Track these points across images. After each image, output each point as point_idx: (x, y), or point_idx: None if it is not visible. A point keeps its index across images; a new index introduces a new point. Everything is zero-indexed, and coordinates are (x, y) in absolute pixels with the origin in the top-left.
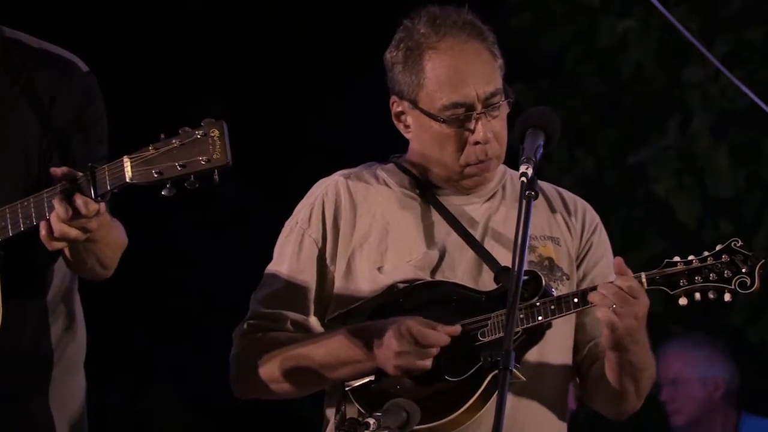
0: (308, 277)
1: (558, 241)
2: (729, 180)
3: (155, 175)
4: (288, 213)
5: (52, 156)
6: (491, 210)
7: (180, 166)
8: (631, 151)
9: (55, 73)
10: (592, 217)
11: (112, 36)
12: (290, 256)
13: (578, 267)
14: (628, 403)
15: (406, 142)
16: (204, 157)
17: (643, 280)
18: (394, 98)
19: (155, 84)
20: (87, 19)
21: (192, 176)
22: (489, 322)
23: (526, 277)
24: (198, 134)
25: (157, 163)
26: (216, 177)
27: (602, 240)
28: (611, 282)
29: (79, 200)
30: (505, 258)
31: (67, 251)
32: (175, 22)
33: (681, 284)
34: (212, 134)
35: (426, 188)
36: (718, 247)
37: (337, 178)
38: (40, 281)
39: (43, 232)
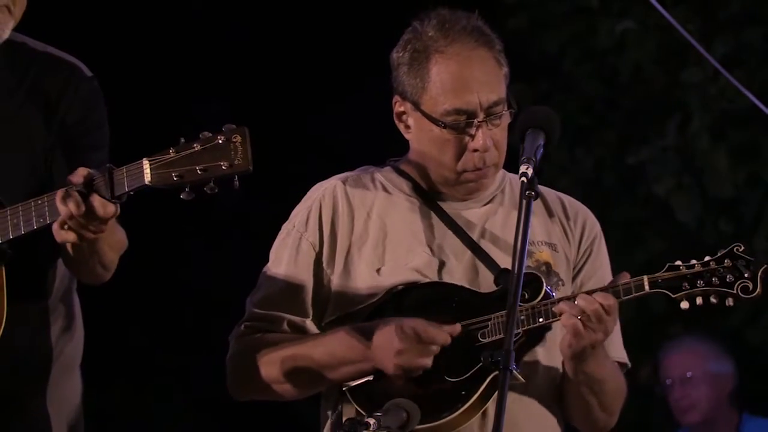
0: (305, 280)
1: (555, 247)
2: (729, 180)
3: (175, 178)
4: (289, 216)
5: (55, 157)
6: (489, 214)
7: (201, 170)
8: (631, 151)
9: (60, 77)
10: (592, 225)
11: (115, 38)
12: (287, 260)
13: (576, 276)
14: (594, 416)
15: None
16: (225, 163)
17: (646, 283)
18: (396, 98)
19: (157, 87)
20: (90, 22)
21: (212, 181)
22: (489, 323)
23: (526, 279)
24: (220, 139)
25: (177, 167)
26: (236, 183)
27: (601, 251)
28: (591, 296)
29: (96, 201)
30: (502, 262)
31: (70, 250)
32: (177, 24)
33: (683, 288)
34: (234, 140)
35: (424, 191)
36: (720, 252)
37: (335, 182)
38: (42, 282)
39: (56, 226)
